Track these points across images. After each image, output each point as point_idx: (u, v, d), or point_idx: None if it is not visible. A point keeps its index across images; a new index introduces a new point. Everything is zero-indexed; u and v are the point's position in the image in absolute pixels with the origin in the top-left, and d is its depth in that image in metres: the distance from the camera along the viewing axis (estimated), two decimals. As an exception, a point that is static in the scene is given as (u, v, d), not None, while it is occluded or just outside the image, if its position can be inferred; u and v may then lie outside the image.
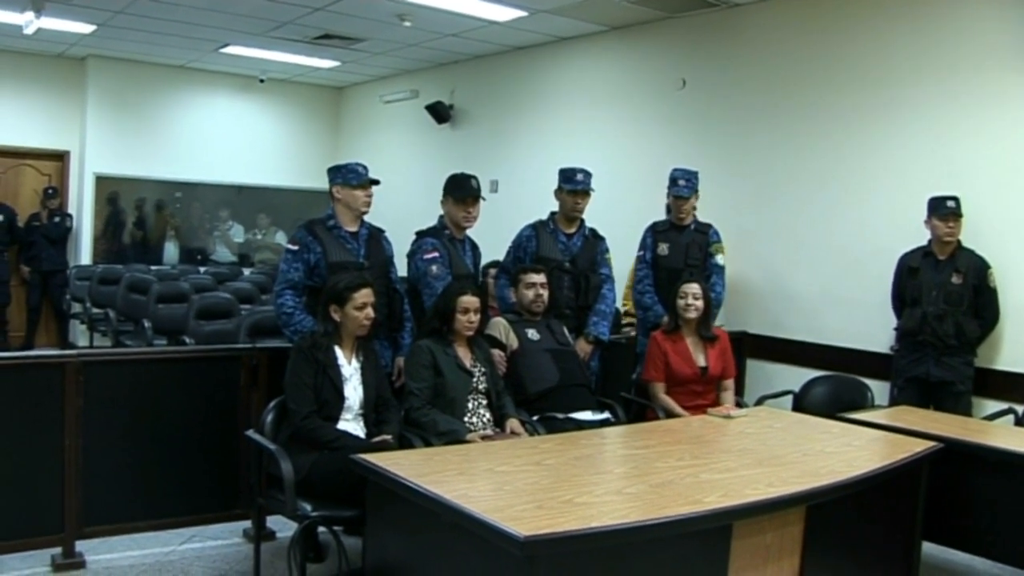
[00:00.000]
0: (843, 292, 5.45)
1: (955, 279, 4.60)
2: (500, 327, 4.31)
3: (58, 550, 3.79)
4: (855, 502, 3.01)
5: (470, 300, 3.89)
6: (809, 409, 4.66)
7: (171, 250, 9.79)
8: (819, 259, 5.60)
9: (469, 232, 4.51)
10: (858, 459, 3.17)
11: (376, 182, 4.11)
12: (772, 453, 3.22)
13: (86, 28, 7.77)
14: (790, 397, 4.98)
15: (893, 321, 4.90)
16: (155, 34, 7.94)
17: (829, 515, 2.89)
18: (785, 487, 2.74)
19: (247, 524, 4.17)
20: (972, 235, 4.69)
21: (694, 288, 4.40)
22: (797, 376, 5.23)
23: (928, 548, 3.74)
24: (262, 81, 9.79)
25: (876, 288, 5.07)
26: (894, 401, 4.76)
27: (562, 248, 4.75)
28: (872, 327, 5.19)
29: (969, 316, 4.60)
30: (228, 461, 4.11)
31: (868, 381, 4.89)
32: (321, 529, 3.55)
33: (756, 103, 5.99)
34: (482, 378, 3.90)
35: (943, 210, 4.62)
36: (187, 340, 6.13)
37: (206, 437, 4.09)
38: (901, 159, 5.19)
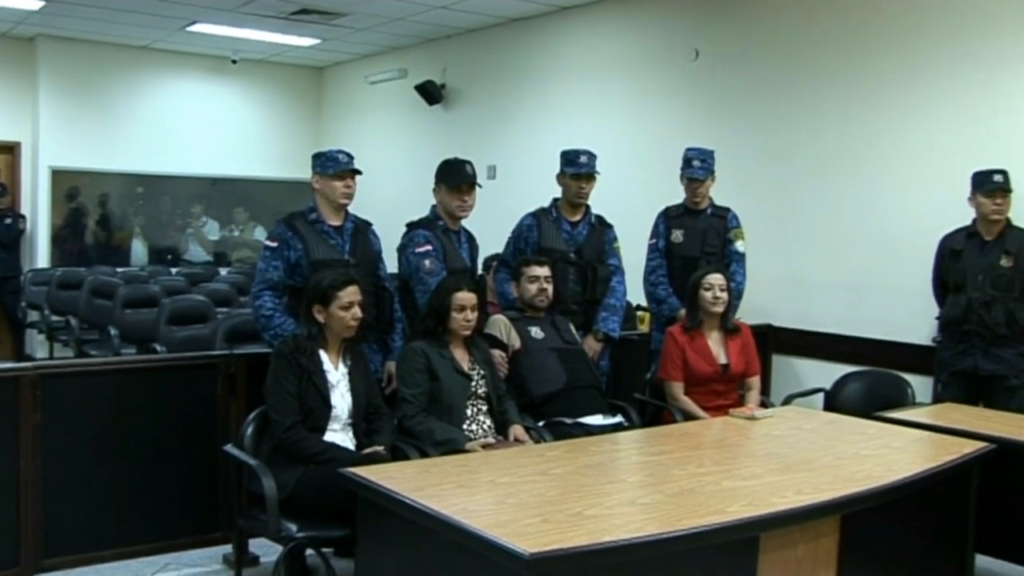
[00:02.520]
0: (878, 279, 5.44)
1: (1004, 261, 4.58)
2: (500, 325, 4.31)
3: (15, 585, 3.79)
4: (896, 511, 3.00)
5: (467, 296, 3.89)
6: (842, 408, 4.65)
7: (139, 250, 9.80)
8: (850, 243, 5.59)
9: (465, 223, 4.52)
10: (898, 462, 3.17)
11: (358, 171, 4.11)
12: (802, 457, 3.22)
13: (33, 3, 7.73)
14: (821, 395, 4.98)
15: (935, 309, 4.89)
16: (113, 11, 7.91)
17: (867, 525, 2.89)
18: (817, 494, 2.74)
19: (227, 549, 4.16)
20: (1022, 212, 4.67)
21: (719, 279, 4.41)
22: (828, 372, 5.23)
23: (982, 561, 3.73)
24: (235, 62, 9.78)
25: (915, 274, 5.06)
26: (938, 398, 4.75)
27: (566, 238, 4.75)
28: (911, 317, 5.19)
29: (1021, 302, 4.57)
30: (205, 480, 4.11)
31: (908, 376, 4.89)
32: (309, 551, 3.55)
33: (777, 74, 5.98)
34: (481, 382, 3.91)
35: (989, 185, 4.60)
36: (158, 348, 6.14)
37: (180, 454, 4.09)
38: (940, 130, 5.18)
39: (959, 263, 4.69)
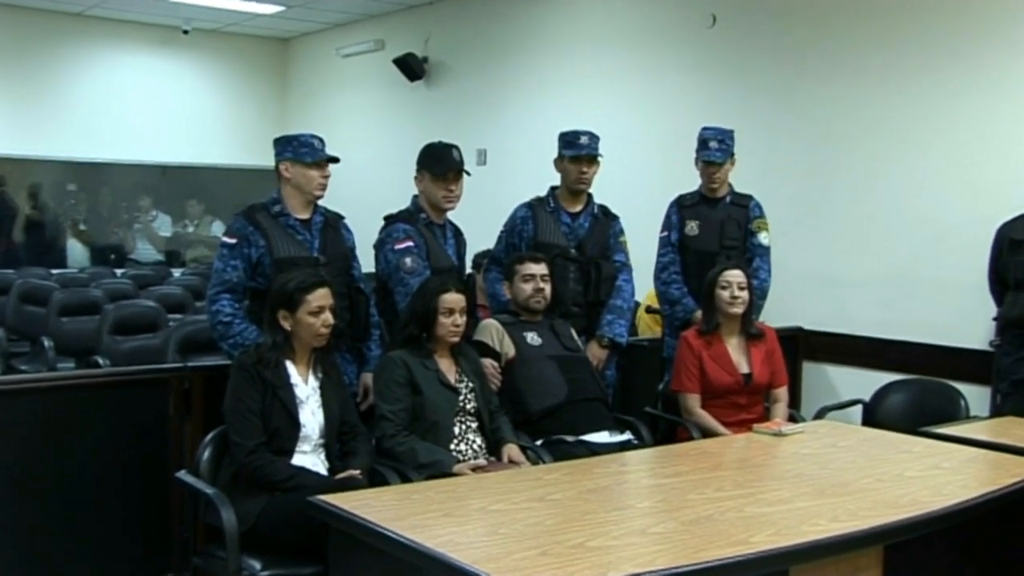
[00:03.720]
0: (925, 274, 5.45)
1: (1075, 254, 4.60)
2: (492, 331, 4.33)
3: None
4: (948, 542, 3.02)
5: (453, 298, 3.90)
6: (884, 423, 4.67)
7: (77, 249, 9.80)
8: (894, 234, 5.61)
9: (451, 215, 4.53)
10: (950, 486, 3.17)
11: (335, 160, 4.11)
12: (837, 479, 3.23)
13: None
14: (859, 408, 5.01)
15: (992, 309, 4.90)
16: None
17: (913, 558, 2.90)
18: (855, 522, 2.75)
19: (181, 590, 4.18)
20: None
21: (738, 276, 4.41)
22: (868, 381, 5.25)
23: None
24: (186, 32, 9.80)
25: (969, 268, 5.08)
26: (997, 411, 4.76)
27: (566, 231, 4.77)
28: (964, 317, 5.21)
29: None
30: (155, 512, 4.11)
31: (961, 386, 4.91)
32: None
33: (806, 42, 5.99)
34: (471, 395, 3.92)
35: (1055, 166, 4.61)
36: (100, 361, 6.14)
37: (126, 483, 4.09)
38: (997, 103, 5.19)
39: (1020, 256, 4.70)
